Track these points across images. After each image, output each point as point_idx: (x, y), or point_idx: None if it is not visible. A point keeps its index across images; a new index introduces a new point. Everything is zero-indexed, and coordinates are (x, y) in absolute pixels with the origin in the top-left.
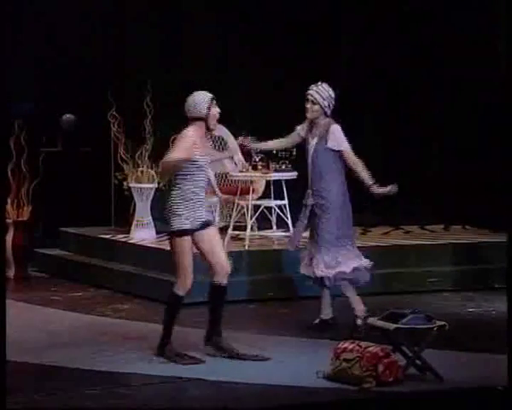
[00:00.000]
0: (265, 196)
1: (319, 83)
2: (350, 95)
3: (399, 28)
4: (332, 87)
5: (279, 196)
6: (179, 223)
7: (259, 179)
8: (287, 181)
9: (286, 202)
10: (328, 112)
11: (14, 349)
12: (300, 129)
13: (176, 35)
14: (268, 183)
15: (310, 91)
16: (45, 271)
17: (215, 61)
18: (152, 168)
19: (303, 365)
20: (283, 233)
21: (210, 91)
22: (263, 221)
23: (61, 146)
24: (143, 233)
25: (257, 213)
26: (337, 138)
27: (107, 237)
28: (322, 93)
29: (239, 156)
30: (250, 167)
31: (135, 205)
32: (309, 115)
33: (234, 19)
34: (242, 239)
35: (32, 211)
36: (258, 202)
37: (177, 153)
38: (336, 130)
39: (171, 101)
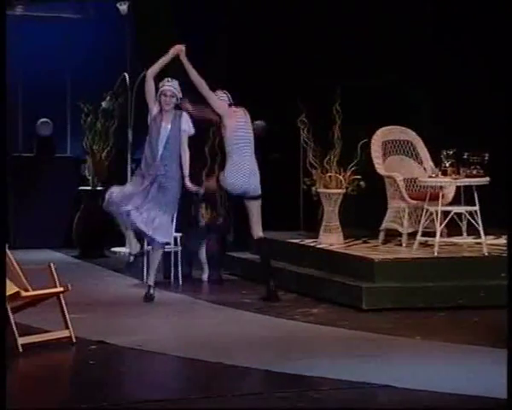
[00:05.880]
0: (455, 201)
1: (169, 79)
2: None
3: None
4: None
5: (470, 202)
6: None
7: (449, 185)
8: (478, 186)
9: (477, 208)
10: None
11: (206, 350)
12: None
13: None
14: (458, 188)
15: (167, 87)
16: (236, 274)
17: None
18: (340, 174)
19: (496, 375)
20: (474, 240)
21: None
22: (453, 227)
23: None
24: (331, 238)
25: (446, 220)
26: (188, 123)
27: (296, 241)
28: (177, 87)
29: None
30: (440, 173)
31: (323, 210)
32: (168, 107)
33: None
34: (431, 245)
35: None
36: (448, 208)
37: None
38: (186, 116)
39: (359, 106)
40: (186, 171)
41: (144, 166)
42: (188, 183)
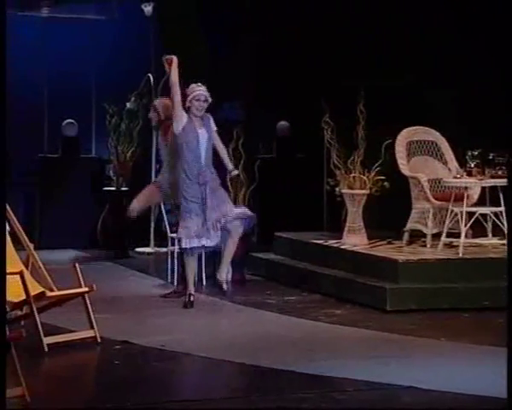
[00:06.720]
0: (481, 202)
1: (199, 84)
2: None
3: None
4: None
5: (495, 203)
6: None
7: (474, 185)
8: (503, 187)
9: (502, 208)
10: None
11: (229, 350)
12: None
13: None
14: (483, 189)
15: (201, 92)
16: (260, 274)
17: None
18: (364, 174)
19: None
20: (499, 241)
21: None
22: (478, 228)
23: (275, 153)
24: (355, 239)
25: (471, 221)
26: (214, 124)
27: (320, 242)
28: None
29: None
30: (465, 173)
31: (347, 211)
32: (200, 113)
33: None
34: (456, 247)
35: None
36: (473, 209)
37: None
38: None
39: (383, 106)
40: (230, 165)
41: (195, 172)
42: (235, 171)
